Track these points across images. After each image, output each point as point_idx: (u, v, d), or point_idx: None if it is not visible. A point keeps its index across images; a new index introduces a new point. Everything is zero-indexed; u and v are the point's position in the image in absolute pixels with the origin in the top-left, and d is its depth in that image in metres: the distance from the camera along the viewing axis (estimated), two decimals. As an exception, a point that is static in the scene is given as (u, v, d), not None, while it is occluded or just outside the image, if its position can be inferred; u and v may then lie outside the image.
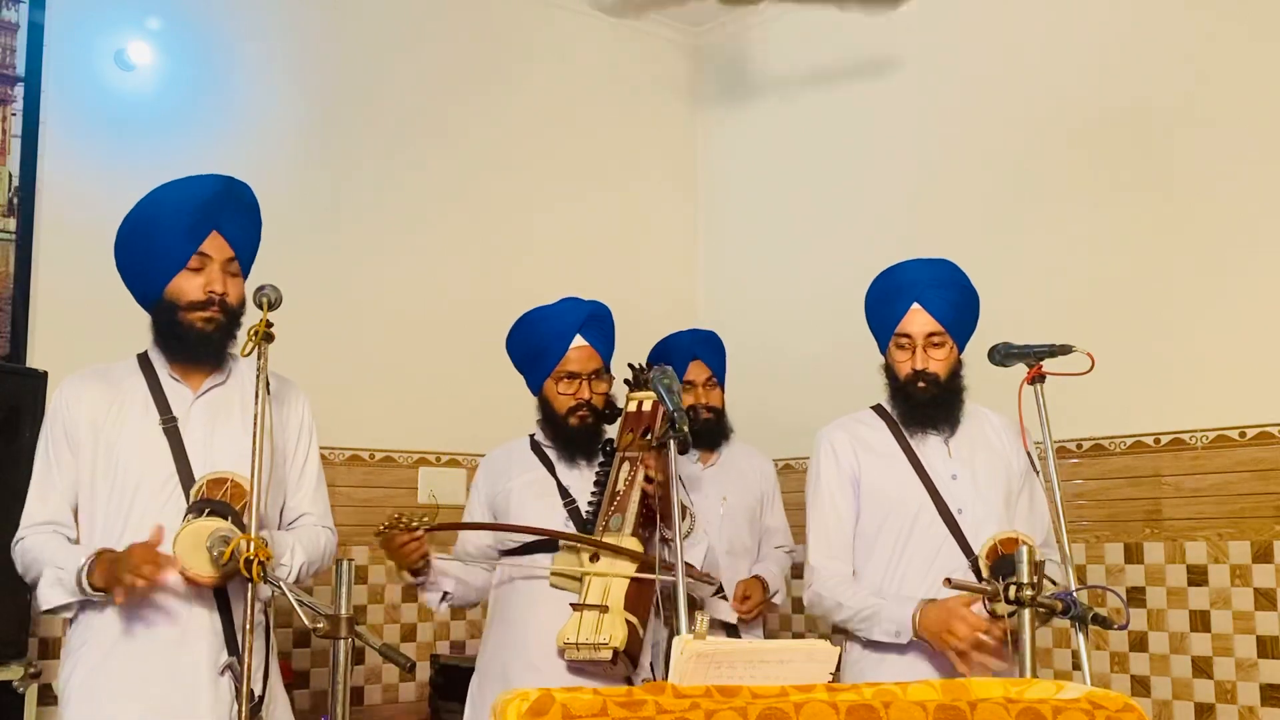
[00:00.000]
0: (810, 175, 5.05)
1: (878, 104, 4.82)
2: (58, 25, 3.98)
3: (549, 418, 3.07)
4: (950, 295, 2.86)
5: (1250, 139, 3.75)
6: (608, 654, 2.72)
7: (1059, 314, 3.99)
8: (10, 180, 3.84)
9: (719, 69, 5.50)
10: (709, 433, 3.86)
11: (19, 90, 3.88)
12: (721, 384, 3.93)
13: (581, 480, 3.03)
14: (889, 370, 2.92)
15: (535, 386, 3.12)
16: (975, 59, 4.51)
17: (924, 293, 2.85)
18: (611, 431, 3.09)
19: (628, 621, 2.75)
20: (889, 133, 4.76)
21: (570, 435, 3.03)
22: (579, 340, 3.04)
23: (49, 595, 2.48)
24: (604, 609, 2.76)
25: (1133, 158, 4.02)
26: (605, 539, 2.86)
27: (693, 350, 3.89)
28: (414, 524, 2.83)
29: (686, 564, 2.87)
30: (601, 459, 3.04)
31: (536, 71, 5.06)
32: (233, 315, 2.57)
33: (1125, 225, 4.01)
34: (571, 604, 2.82)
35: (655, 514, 2.88)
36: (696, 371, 3.86)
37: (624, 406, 3.06)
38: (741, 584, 3.74)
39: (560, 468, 3.05)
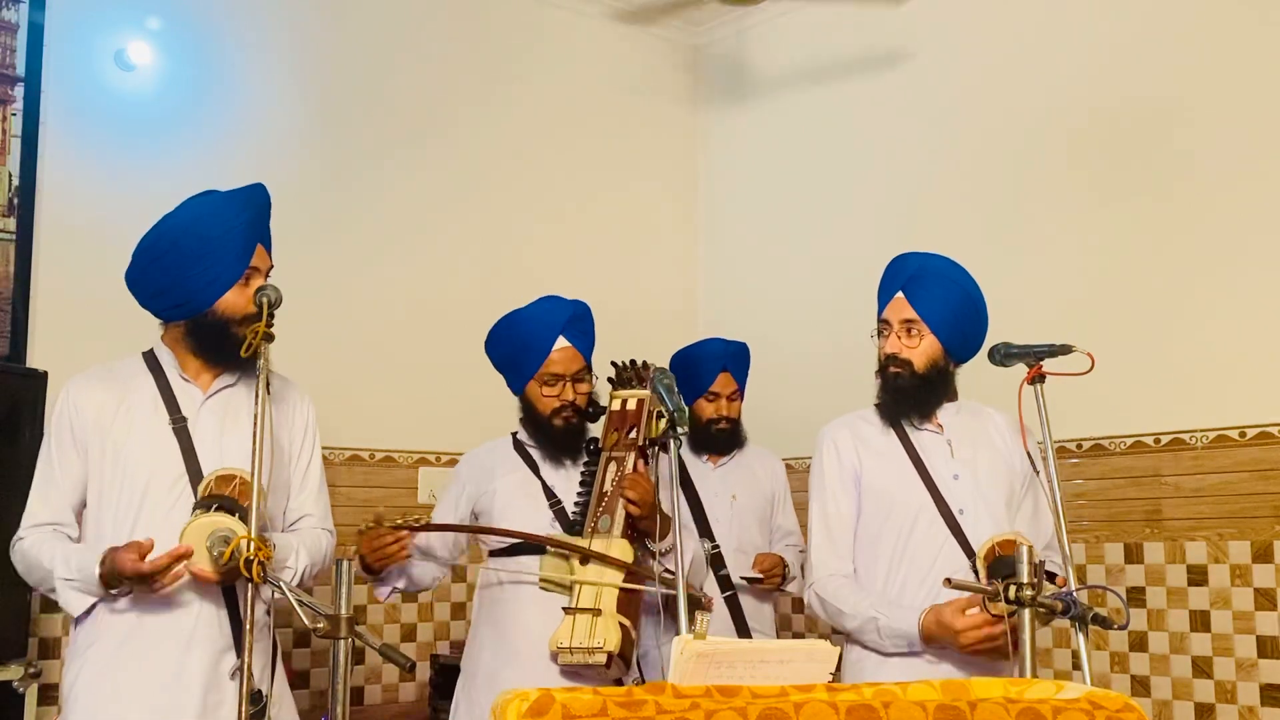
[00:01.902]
0: (810, 175, 5.05)
1: (878, 104, 4.82)
2: (58, 25, 3.97)
3: (533, 419, 3.06)
4: (937, 290, 2.85)
5: (1251, 139, 3.75)
6: (602, 658, 2.71)
7: (1059, 314, 3.99)
8: (10, 180, 3.84)
9: (719, 69, 5.50)
10: (723, 441, 3.87)
11: (19, 90, 3.88)
12: (743, 396, 3.94)
13: (566, 480, 3.02)
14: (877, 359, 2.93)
15: (517, 388, 3.10)
16: (976, 59, 4.51)
17: (909, 282, 2.86)
18: (595, 430, 3.08)
19: (621, 624, 2.74)
20: (889, 133, 4.76)
21: (555, 436, 3.02)
22: (562, 341, 3.03)
23: (75, 602, 2.48)
24: (596, 612, 2.75)
25: (1133, 158, 4.02)
26: (595, 540, 2.84)
27: (724, 362, 3.88)
28: (399, 523, 2.80)
29: (671, 571, 2.85)
30: (586, 458, 3.03)
31: (537, 72, 5.06)
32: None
33: (1125, 225, 4.02)
34: (564, 608, 2.81)
35: (640, 530, 2.87)
36: (723, 384, 3.87)
37: (608, 405, 3.05)
38: (760, 555, 3.76)
39: (545, 468, 3.04)
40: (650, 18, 5.37)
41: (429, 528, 2.91)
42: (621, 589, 2.78)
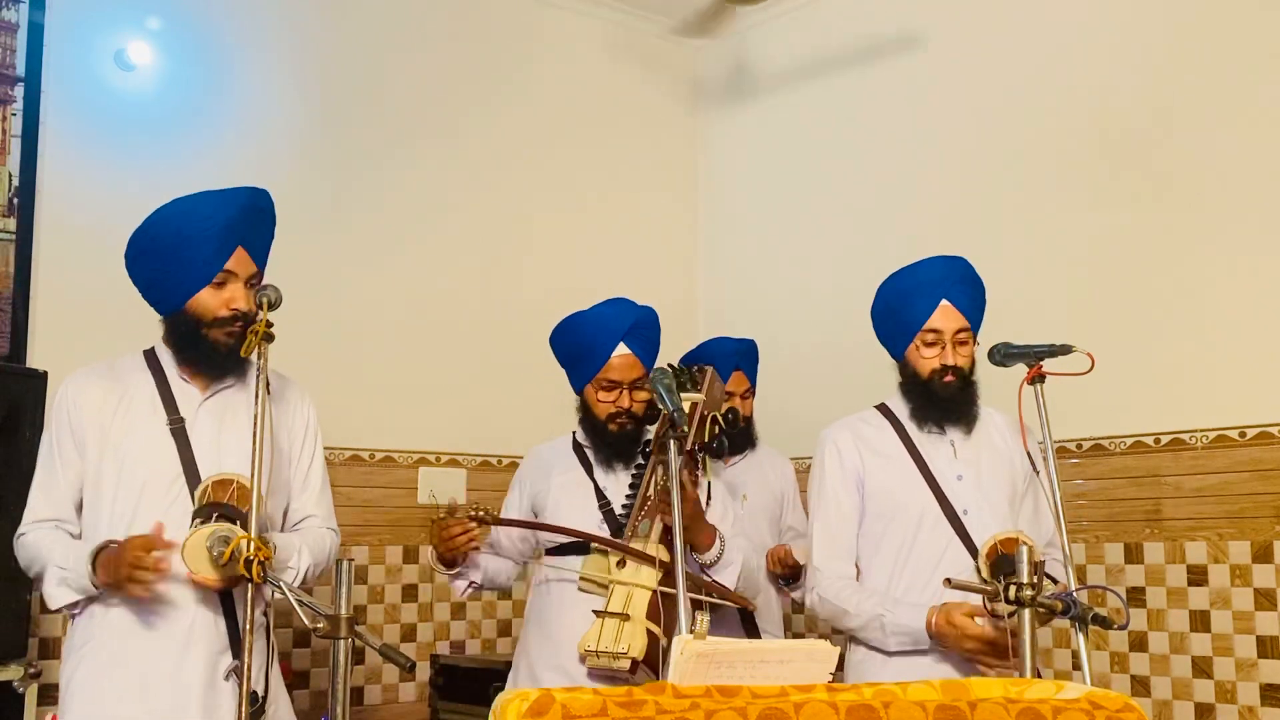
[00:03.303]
0: (810, 175, 5.05)
1: (878, 103, 4.82)
2: (58, 25, 3.97)
3: (589, 421, 3.06)
4: (971, 291, 2.88)
5: (1251, 139, 3.75)
6: (626, 664, 2.71)
7: (1059, 314, 3.99)
8: (10, 180, 3.84)
9: (719, 69, 5.50)
10: (739, 441, 3.84)
11: (19, 90, 3.88)
12: (754, 394, 3.94)
13: (618, 483, 3.02)
14: (907, 368, 2.88)
15: (576, 388, 3.10)
16: (976, 59, 4.51)
17: (951, 289, 2.84)
18: (651, 432, 3.06)
19: (648, 631, 2.73)
20: (889, 132, 4.76)
21: (610, 441, 3.02)
22: (622, 348, 3.01)
23: (56, 595, 2.49)
24: (625, 617, 2.74)
25: (1133, 157, 4.02)
26: (633, 543, 2.85)
27: (735, 361, 3.88)
28: (473, 514, 2.83)
29: (720, 585, 2.89)
30: (640, 460, 3.02)
31: (537, 72, 5.06)
32: (250, 325, 2.56)
33: (1126, 225, 4.01)
34: (594, 610, 2.81)
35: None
36: (737, 382, 3.86)
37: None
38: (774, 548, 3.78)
39: (598, 469, 3.04)
40: (651, 18, 5.37)
41: (500, 521, 2.92)
42: (654, 594, 2.76)
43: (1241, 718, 3.61)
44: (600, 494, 3.00)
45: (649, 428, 3.05)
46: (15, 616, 3.37)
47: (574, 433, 3.14)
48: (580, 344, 3.05)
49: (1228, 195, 3.78)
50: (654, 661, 2.74)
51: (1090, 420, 3.94)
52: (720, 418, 2.94)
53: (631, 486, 2.98)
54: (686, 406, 2.93)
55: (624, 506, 2.96)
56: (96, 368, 2.64)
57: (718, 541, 2.92)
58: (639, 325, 3.06)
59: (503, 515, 3.12)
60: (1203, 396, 3.77)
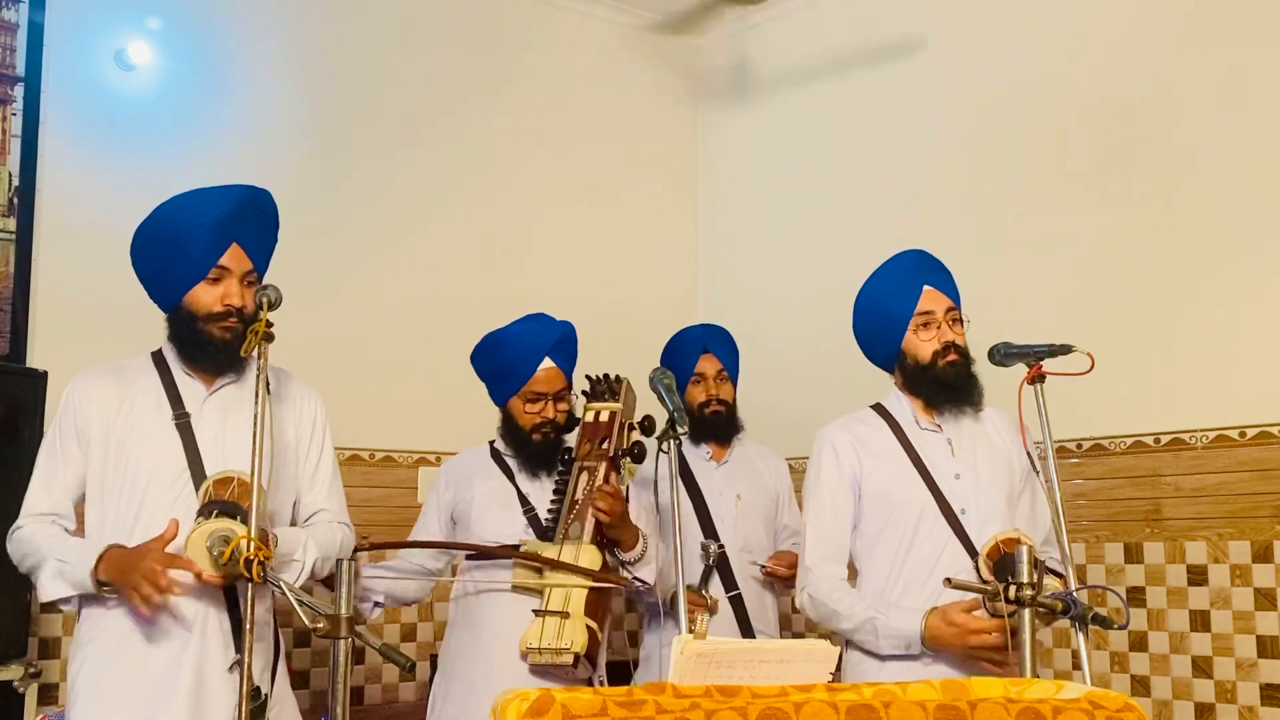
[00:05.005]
0: (810, 175, 5.05)
1: (877, 103, 4.82)
2: (58, 25, 3.97)
3: (513, 432, 3.19)
4: (946, 277, 2.90)
5: (1251, 139, 3.75)
6: (569, 658, 2.83)
7: (1059, 314, 3.99)
8: (10, 180, 3.84)
9: (719, 69, 5.50)
10: (720, 426, 3.82)
11: (19, 90, 3.88)
12: (734, 379, 3.91)
13: (541, 489, 3.14)
14: (906, 359, 2.86)
15: (500, 401, 3.24)
16: (976, 57, 4.51)
17: (928, 276, 2.87)
18: (570, 440, 3.19)
19: (588, 627, 2.86)
20: (889, 132, 4.76)
21: (534, 450, 3.15)
22: (547, 362, 3.16)
23: (51, 587, 2.50)
24: (565, 615, 2.87)
25: (1133, 157, 4.02)
26: (565, 546, 2.97)
27: (703, 343, 3.87)
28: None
29: (640, 579, 3.05)
30: (560, 468, 3.14)
31: (537, 71, 5.06)
32: (249, 323, 2.57)
33: (1126, 225, 4.02)
34: (534, 610, 2.92)
35: (609, 539, 3.00)
36: (706, 364, 3.83)
37: (582, 417, 3.17)
38: (779, 553, 3.76)
39: (520, 476, 3.16)
40: (651, 18, 5.37)
41: (381, 545, 3.13)
42: (590, 591, 2.90)
43: (1241, 718, 3.61)
44: (524, 500, 3.11)
45: (567, 437, 3.18)
46: (15, 616, 3.37)
47: (491, 442, 3.26)
48: (507, 359, 3.19)
49: (1228, 195, 3.78)
50: (593, 655, 2.89)
51: (1090, 420, 3.94)
52: (638, 425, 3.10)
53: (556, 493, 3.09)
54: (605, 415, 3.08)
55: (550, 512, 3.08)
56: (103, 368, 2.67)
57: (640, 540, 3.06)
58: (562, 341, 3.21)
59: (419, 532, 3.29)
60: (1203, 396, 3.77)
